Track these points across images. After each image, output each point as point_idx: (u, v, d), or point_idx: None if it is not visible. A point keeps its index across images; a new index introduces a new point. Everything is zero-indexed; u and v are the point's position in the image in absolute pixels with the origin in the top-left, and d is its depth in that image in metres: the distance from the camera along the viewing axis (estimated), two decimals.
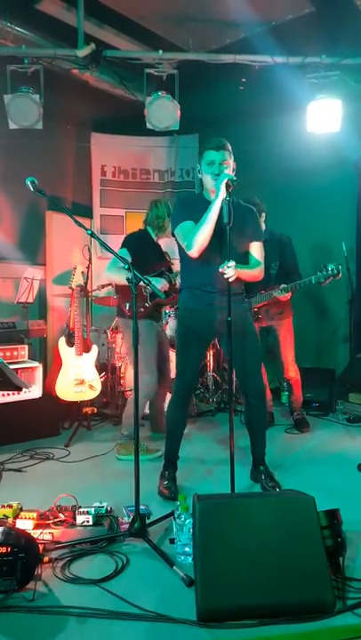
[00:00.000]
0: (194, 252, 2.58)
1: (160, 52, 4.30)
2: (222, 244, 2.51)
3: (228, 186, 2.45)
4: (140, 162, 5.99)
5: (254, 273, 2.75)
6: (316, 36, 4.30)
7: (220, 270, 2.49)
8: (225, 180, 2.46)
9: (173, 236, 2.79)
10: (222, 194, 2.47)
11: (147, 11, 4.43)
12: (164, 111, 4.35)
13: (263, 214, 3.80)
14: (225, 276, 2.48)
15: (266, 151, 5.11)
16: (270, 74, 4.33)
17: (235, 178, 2.49)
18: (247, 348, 2.71)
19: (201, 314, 2.71)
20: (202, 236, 2.54)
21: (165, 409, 3.63)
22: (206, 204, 2.57)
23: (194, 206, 2.67)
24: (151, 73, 4.35)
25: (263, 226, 3.78)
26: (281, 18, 4.40)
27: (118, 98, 5.55)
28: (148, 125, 4.43)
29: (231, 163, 2.64)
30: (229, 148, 2.64)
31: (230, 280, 2.49)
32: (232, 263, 2.47)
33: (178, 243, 2.73)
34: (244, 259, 2.76)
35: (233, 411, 2.48)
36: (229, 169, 2.61)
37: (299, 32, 4.37)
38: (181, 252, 2.74)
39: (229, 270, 2.47)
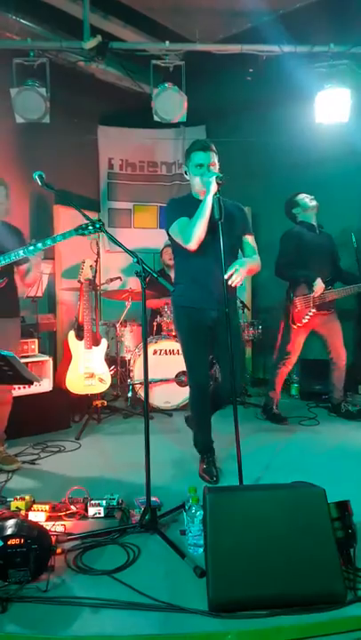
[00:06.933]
0: (193, 245, 2.62)
1: (166, 43, 4.27)
2: (214, 240, 2.57)
3: (217, 183, 2.56)
4: (147, 154, 5.96)
5: (257, 263, 2.81)
6: (325, 24, 4.25)
7: (231, 284, 2.54)
8: (213, 177, 2.56)
9: (168, 234, 2.82)
10: (213, 189, 2.56)
11: (153, 2, 4.41)
12: (171, 103, 4.33)
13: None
14: (234, 284, 2.54)
15: (273, 142, 5.06)
16: (278, 63, 4.29)
17: (221, 174, 2.59)
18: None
19: (202, 309, 2.74)
20: (199, 227, 2.59)
21: None
22: (196, 203, 2.64)
23: (186, 205, 2.75)
24: (158, 64, 4.32)
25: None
26: (288, 6, 4.35)
27: (125, 90, 5.53)
28: (156, 117, 4.41)
29: (217, 163, 2.72)
30: (215, 148, 2.73)
31: (239, 282, 2.55)
32: (235, 269, 2.52)
33: (173, 241, 2.78)
34: (235, 255, 2.82)
35: (241, 403, 2.48)
36: (215, 169, 2.70)
37: (306, 20, 4.32)
38: (177, 249, 2.79)
39: (236, 276, 2.52)
